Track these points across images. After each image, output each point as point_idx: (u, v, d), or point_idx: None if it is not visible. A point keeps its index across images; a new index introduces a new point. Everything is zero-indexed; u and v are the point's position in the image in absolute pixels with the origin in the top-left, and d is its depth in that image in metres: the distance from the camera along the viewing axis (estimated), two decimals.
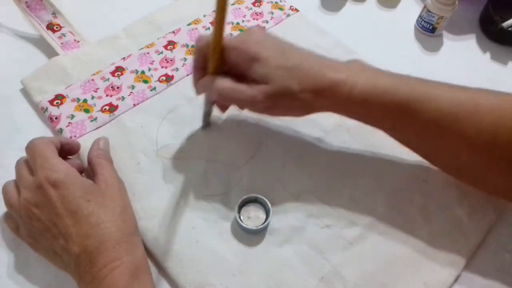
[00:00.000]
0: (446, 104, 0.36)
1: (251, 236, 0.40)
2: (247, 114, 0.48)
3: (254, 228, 0.40)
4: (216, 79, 0.38)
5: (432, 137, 0.38)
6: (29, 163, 0.38)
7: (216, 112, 0.46)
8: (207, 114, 0.46)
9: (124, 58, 0.52)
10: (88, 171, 0.40)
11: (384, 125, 0.40)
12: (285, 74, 0.37)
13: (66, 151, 0.41)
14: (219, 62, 0.38)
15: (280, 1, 0.60)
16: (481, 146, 0.36)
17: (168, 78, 0.51)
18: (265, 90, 0.37)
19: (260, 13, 0.58)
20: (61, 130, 0.46)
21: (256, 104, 0.38)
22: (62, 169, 0.36)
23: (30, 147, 0.38)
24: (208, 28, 0.56)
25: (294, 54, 0.38)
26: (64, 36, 0.53)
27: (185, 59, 0.52)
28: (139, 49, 0.53)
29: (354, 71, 0.38)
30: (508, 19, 0.57)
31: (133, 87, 0.50)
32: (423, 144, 0.40)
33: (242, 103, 0.40)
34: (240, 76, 0.38)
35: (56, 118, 0.46)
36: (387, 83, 0.37)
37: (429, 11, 0.57)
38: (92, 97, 0.48)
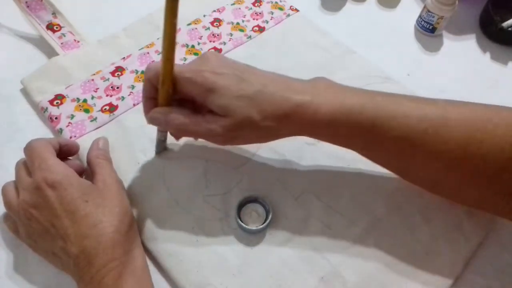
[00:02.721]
0: (414, 120, 0.35)
1: (251, 236, 0.40)
2: None
3: (254, 228, 0.40)
4: (168, 114, 0.36)
5: (402, 154, 0.37)
6: (27, 165, 0.38)
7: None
8: (160, 141, 0.43)
9: (124, 58, 0.52)
10: (88, 172, 0.40)
11: (355, 145, 0.38)
12: (245, 103, 0.34)
13: (65, 152, 0.41)
14: (170, 93, 0.36)
15: (280, 1, 0.60)
16: (452, 160, 0.35)
17: None
18: (224, 123, 0.35)
19: (260, 13, 0.58)
20: (61, 130, 0.46)
21: (215, 138, 0.36)
22: (60, 170, 0.36)
23: (28, 149, 0.38)
24: (208, 28, 0.56)
25: (254, 78, 0.36)
26: (64, 36, 0.53)
27: (185, 59, 0.52)
28: (139, 49, 0.53)
29: (318, 91, 0.36)
30: (508, 19, 0.57)
31: (133, 87, 0.50)
32: (394, 161, 0.39)
33: (200, 137, 0.38)
34: (193, 103, 0.37)
35: (56, 118, 0.46)
36: (352, 103, 0.35)
37: (429, 11, 0.57)
38: (92, 97, 0.48)
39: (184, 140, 0.45)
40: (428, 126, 0.35)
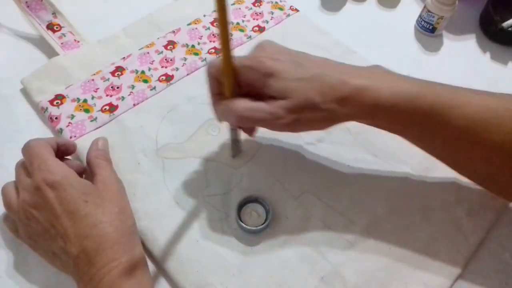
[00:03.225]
0: (475, 110, 0.35)
1: (251, 236, 0.40)
2: None
3: (254, 228, 0.40)
4: (232, 102, 0.36)
5: (461, 144, 0.36)
6: (26, 165, 0.37)
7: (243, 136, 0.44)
8: (235, 141, 0.43)
9: (124, 58, 0.52)
10: (88, 172, 0.40)
11: (412, 133, 0.38)
12: (304, 85, 0.35)
13: (63, 151, 0.41)
14: (234, 85, 0.36)
15: (280, 1, 0.60)
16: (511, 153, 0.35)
17: (168, 78, 0.51)
18: (286, 105, 0.35)
19: (260, 13, 0.58)
20: (61, 130, 0.46)
21: (278, 121, 0.36)
22: (59, 170, 0.36)
23: (27, 149, 0.38)
24: (208, 28, 0.56)
25: (310, 63, 0.36)
26: (64, 36, 0.53)
27: (185, 59, 0.52)
28: (139, 49, 0.53)
29: (376, 76, 0.36)
30: (508, 19, 0.57)
31: (133, 87, 0.50)
32: (451, 152, 0.38)
33: (263, 123, 0.37)
34: (258, 96, 0.37)
35: (56, 118, 0.46)
36: (412, 88, 0.35)
37: (429, 11, 0.57)
38: (92, 97, 0.48)
39: (185, 139, 0.45)
40: (490, 116, 0.35)
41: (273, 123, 0.36)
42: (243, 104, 0.36)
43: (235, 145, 0.44)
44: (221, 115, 0.39)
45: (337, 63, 0.38)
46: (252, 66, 0.36)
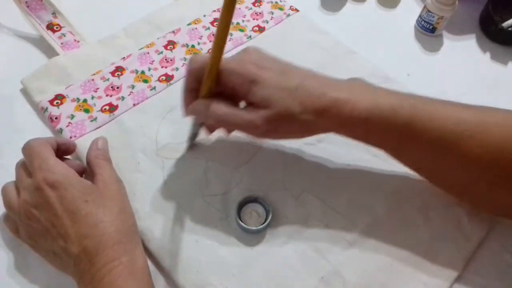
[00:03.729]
0: (450, 123, 0.35)
1: (251, 236, 0.40)
2: None
3: (254, 228, 0.40)
4: (211, 104, 0.37)
5: (436, 156, 0.37)
6: (26, 165, 0.38)
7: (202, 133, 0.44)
8: (193, 136, 0.44)
9: (124, 58, 0.52)
10: (89, 172, 0.40)
11: (388, 145, 0.38)
12: (286, 95, 0.35)
13: (63, 151, 0.41)
14: (213, 85, 0.37)
15: (280, 1, 0.60)
16: (486, 165, 0.35)
17: (168, 78, 0.51)
18: (266, 114, 0.35)
19: (260, 13, 0.58)
20: (61, 130, 0.46)
21: (255, 129, 0.36)
22: (60, 170, 0.36)
23: (27, 148, 0.38)
24: (208, 28, 0.56)
25: (294, 73, 0.37)
26: (64, 36, 0.53)
27: (185, 59, 0.52)
28: (139, 49, 0.53)
29: (355, 90, 0.36)
30: (508, 19, 0.57)
31: (133, 86, 0.50)
32: (426, 164, 0.39)
33: (240, 129, 0.38)
34: (232, 98, 0.37)
35: (56, 118, 0.46)
36: (389, 102, 0.36)
37: (429, 11, 0.57)
38: (92, 97, 0.48)
39: (185, 139, 0.45)
40: (464, 129, 0.35)
41: (250, 130, 0.37)
42: (222, 108, 0.36)
43: (192, 140, 0.44)
44: (194, 113, 0.39)
45: (320, 75, 0.38)
46: (237, 71, 0.36)
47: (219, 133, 0.45)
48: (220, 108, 0.36)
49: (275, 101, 0.35)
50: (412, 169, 0.40)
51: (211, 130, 0.43)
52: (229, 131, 0.42)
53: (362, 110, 0.35)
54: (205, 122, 0.41)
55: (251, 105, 0.36)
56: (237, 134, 0.43)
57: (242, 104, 0.38)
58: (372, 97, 0.36)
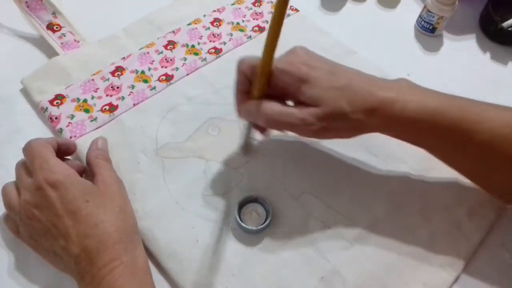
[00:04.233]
0: (499, 125, 0.35)
1: (251, 236, 0.40)
2: None
3: (254, 228, 0.40)
4: (263, 104, 0.37)
5: (485, 159, 0.37)
6: (27, 164, 0.38)
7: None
8: (248, 139, 0.43)
9: (124, 58, 0.52)
10: (89, 172, 0.40)
11: (436, 147, 0.39)
12: (336, 94, 0.36)
13: (63, 151, 0.41)
14: (265, 87, 0.37)
15: None
16: None
17: (168, 78, 0.51)
18: (317, 112, 0.35)
19: (260, 13, 0.58)
20: (61, 130, 0.46)
21: (308, 128, 0.36)
22: (61, 170, 0.36)
23: (28, 149, 0.38)
24: (208, 28, 0.55)
25: (343, 73, 0.37)
26: (64, 36, 0.53)
27: (185, 59, 0.52)
28: (139, 49, 0.53)
29: (403, 90, 0.37)
30: (508, 19, 0.57)
31: (133, 86, 0.50)
32: (475, 166, 0.39)
33: (292, 128, 0.38)
34: (282, 99, 0.37)
35: (56, 118, 0.46)
36: (437, 103, 0.36)
37: (429, 11, 0.57)
38: (92, 97, 0.48)
39: (185, 139, 0.45)
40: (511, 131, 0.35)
41: (302, 129, 0.37)
42: (274, 108, 0.37)
43: (248, 143, 0.44)
44: (246, 114, 0.39)
45: (368, 75, 0.38)
46: (288, 71, 0.36)
47: (273, 133, 0.45)
48: (271, 107, 0.37)
49: (325, 100, 0.35)
50: (460, 172, 0.40)
51: (263, 131, 0.44)
52: (281, 131, 0.42)
53: (412, 110, 0.35)
54: (257, 123, 0.41)
55: (300, 104, 0.37)
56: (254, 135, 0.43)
57: (290, 104, 0.38)
58: (420, 97, 0.36)
